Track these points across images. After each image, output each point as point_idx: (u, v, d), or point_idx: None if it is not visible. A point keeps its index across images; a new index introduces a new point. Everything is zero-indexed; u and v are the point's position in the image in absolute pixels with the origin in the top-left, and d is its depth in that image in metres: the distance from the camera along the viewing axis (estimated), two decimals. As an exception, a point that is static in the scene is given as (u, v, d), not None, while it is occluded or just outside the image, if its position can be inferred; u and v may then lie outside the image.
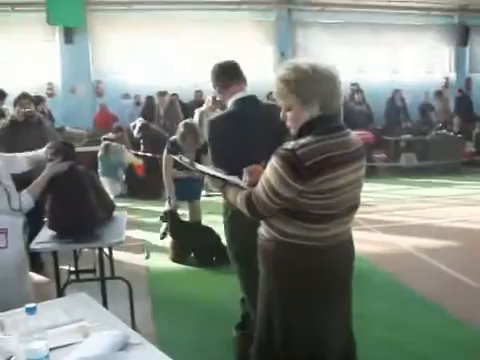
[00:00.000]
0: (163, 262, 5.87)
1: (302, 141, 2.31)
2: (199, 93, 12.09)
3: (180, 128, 5.87)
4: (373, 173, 11.62)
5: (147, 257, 5.74)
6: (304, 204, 2.33)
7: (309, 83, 2.33)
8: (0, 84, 9.37)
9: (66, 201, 3.39)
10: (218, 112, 9.89)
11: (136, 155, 9.97)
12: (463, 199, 9.24)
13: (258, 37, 13.90)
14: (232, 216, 3.36)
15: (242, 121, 3.36)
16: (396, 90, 13.32)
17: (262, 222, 2.53)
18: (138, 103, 12.47)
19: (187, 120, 6.54)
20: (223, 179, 2.64)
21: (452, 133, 12.41)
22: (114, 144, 9.65)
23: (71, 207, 3.37)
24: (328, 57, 13.61)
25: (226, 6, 13.37)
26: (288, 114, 2.42)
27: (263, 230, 2.53)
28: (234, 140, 3.30)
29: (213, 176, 2.72)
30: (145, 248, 5.96)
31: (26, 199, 3.18)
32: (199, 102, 10.39)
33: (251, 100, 3.50)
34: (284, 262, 2.44)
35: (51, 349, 1.87)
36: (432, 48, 14.85)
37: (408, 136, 12.60)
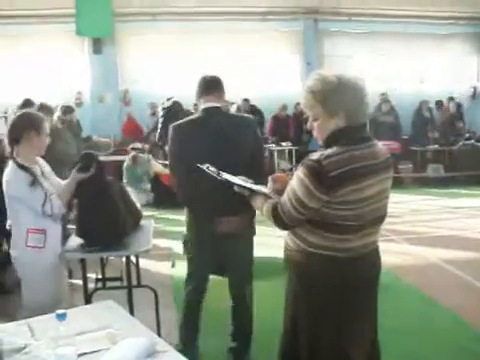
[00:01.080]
0: (188, 271, 5.88)
1: (328, 152, 2.32)
2: (225, 103, 12.15)
3: None
4: (399, 184, 11.56)
5: (173, 266, 5.77)
6: (329, 215, 2.33)
7: (335, 95, 2.35)
8: (29, 94, 9.56)
9: (94, 210, 3.44)
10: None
11: (163, 165, 10.04)
12: (491, 210, 9.09)
13: (285, 47, 13.93)
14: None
15: (207, 129, 3.47)
16: (423, 101, 13.18)
17: (288, 232, 2.53)
18: (154, 113, 12.50)
19: None
20: (250, 189, 2.67)
21: (480, 144, 12.30)
22: (141, 155, 9.74)
23: (99, 216, 3.41)
24: (354, 67, 13.58)
25: (252, 16, 13.45)
26: (315, 124, 2.45)
27: (289, 240, 2.53)
28: (196, 146, 3.43)
29: (240, 186, 2.75)
30: (171, 257, 5.99)
31: (57, 204, 3.27)
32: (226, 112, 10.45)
33: (218, 110, 3.56)
34: (309, 272, 2.44)
35: (79, 355, 1.91)
36: (459, 57, 14.67)
37: (435, 146, 12.49)
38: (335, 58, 13.87)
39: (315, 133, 2.48)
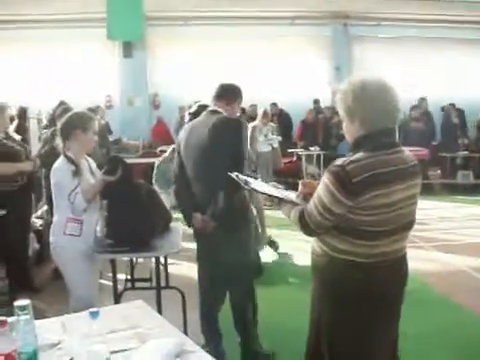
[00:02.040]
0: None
1: (353, 157, 2.34)
2: (254, 107, 12.18)
3: None
4: (428, 190, 11.43)
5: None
6: (354, 220, 2.34)
7: (352, 102, 2.39)
8: (62, 97, 9.72)
9: (122, 211, 3.54)
10: (270, 126, 9.96)
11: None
12: (520, 218, 8.96)
13: (314, 52, 13.95)
14: None
15: (197, 130, 3.64)
16: (452, 106, 13.02)
17: (315, 238, 2.55)
18: (182, 117, 12.60)
19: None
20: (277, 197, 2.69)
21: (511, 150, 12.12)
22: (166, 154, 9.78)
23: (127, 217, 3.51)
24: (384, 71, 13.48)
25: (282, 21, 13.50)
26: (343, 126, 2.52)
27: (316, 245, 2.55)
28: (188, 147, 3.65)
29: (266, 194, 2.78)
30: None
31: (79, 199, 3.48)
32: (253, 116, 10.48)
33: (211, 113, 3.68)
34: (335, 278, 2.45)
35: (110, 353, 1.95)
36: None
37: (465, 153, 12.35)
38: (365, 63, 13.83)
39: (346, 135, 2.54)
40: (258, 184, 2.89)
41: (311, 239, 2.61)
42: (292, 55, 13.53)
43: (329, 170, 2.36)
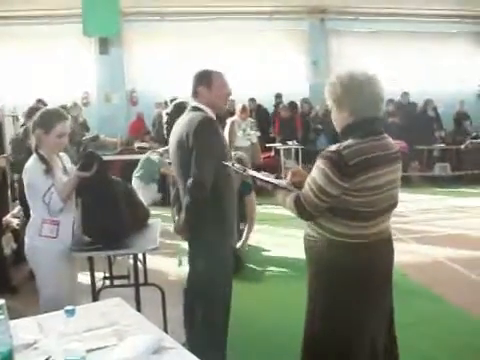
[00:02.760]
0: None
1: (345, 143, 2.51)
2: (231, 102, 12.14)
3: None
4: (406, 183, 11.52)
5: (180, 264, 5.79)
6: (348, 202, 2.50)
7: (343, 93, 2.56)
8: (38, 94, 9.64)
9: (98, 209, 3.49)
10: (248, 121, 9.96)
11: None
12: (498, 209, 9.06)
13: (291, 46, 13.94)
14: None
15: (174, 130, 3.56)
16: (427, 100, 13.10)
17: (309, 224, 2.67)
18: (160, 114, 12.55)
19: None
20: (273, 183, 2.80)
21: (487, 142, 12.27)
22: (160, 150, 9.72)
23: (103, 216, 3.47)
24: (361, 66, 13.52)
25: (258, 16, 13.48)
26: (332, 116, 2.68)
27: (311, 231, 2.67)
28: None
29: (262, 180, 2.86)
30: (178, 255, 6.01)
31: (55, 199, 3.37)
32: (231, 111, 10.46)
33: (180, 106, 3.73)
34: (333, 260, 2.57)
35: (87, 351, 1.93)
36: (466, 56, 14.63)
37: (442, 145, 12.47)
38: (342, 58, 13.89)
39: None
40: (253, 172, 2.99)
41: (299, 229, 2.74)
42: (270, 50, 13.53)
43: (323, 156, 2.51)
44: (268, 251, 6.80)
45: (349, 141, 2.51)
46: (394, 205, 2.66)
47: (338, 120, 2.64)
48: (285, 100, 12.95)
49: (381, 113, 2.68)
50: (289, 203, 2.64)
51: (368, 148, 2.50)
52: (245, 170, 2.94)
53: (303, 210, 2.57)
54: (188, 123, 3.38)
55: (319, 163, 2.51)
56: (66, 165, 3.63)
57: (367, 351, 2.62)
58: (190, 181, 3.25)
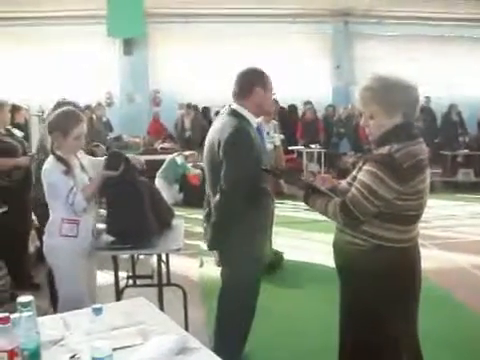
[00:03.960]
0: (217, 270, 5.89)
1: (396, 146, 2.45)
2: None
3: None
4: (429, 188, 11.38)
5: (201, 265, 5.79)
6: (399, 205, 2.47)
7: (393, 92, 2.50)
8: (62, 94, 9.71)
9: (124, 209, 3.50)
10: (272, 124, 9.95)
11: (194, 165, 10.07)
12: (521, 216, 8.94)
13: (314, 50, 13.91)
14: None
15: (210, 134, 3.42)
16: (452, 105, 12.99)
17: (344, 230, 2.63)
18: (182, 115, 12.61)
19: None
20: (316, 187, 2.71)
21: (513, 148, 12.12)
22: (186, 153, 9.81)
23: (129, 215, 3.48)
24: (385, 70, 13.44)
25: (282, 18, 13.47)
26: (371, 122, 2.58)
27: (350, 237, 2.61)
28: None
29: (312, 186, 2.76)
30: (199, 256, 6.02)
31: (78, 199, 3.35)
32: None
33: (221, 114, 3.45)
34: (380, 265, 2.52)
35: (113, 350, 1.94)
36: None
37: (465, 151, 12.33)
38: (365, 61, 13.82)
39: (368, 130, 2.61)
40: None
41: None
42: (293, 53, 13.51)
43: (374, 160, 2.47)
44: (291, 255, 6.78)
45: (398, 145, 2.45)
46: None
47: (379, 124, 2.53)
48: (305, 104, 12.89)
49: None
50: (332, 209, 2.56)
51: (417, 150, 2.47)
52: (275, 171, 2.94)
53: (351, 215, 2.50)
54: (221, 129, 3.22)
55: (370, 167, 2.46)
56: (83, 162, 3.60)
57: (409, 354, 2.65)
58: (218, 198, 3.17)
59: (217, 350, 3.45)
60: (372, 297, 2.57)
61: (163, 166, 9.44)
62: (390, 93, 2.50)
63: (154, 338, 2.15)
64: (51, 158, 3.43)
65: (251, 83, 3.33)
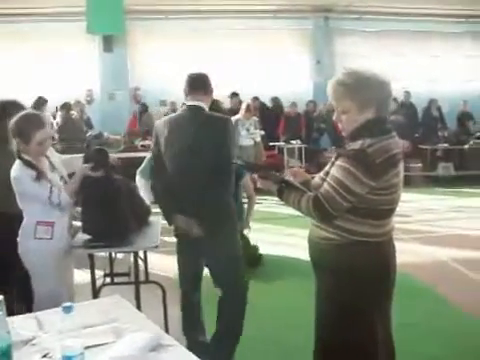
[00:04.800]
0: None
1: (368, 141, 2.46)
2: (236, 101, 12.13)
3: None
4: (409, 183, 11.49)
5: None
6: (372, 200, 2.47)
7: (368, 88, 2.50)
8: (41, 91, 9.67)
9: (101, 207, 3.48)
10: (252, 120, 9.92)
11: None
12: (501, 210, 9.02)
13: (294, 45, 13.92)
14: None
15: (182, 127, 3.49)
16: (432, 100, 13.11)
17: (319, 225, 2.61)
18: (173, 110, 12.57)
19: None
20: (287, 181, 2.72)
21: (491, 142, 12.26)
22: None
23: (105, 213, 3.47)
24: (365, 65, 13.51)
25: (262, 14, 13.46)
26: (343, 117, 2.57)
27: (324, 232, 2.59)
28: (171, 144, 3.48)
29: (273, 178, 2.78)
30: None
31: (64, 196, 3.34)
32: (236, 110, 10.46)
33: (196, 109, 3.55)
34: (353, 260, 2.53)
35: (85, 348, 1.93)
36: (471, 56, 14.60)
37: (445, 145, 12.45)
38: (346, 57, 13.87)
39: (341, 125, 2.61)
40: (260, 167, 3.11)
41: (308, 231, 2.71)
42: (274, 49, 13.51)
43: (347, 155, 2.47)
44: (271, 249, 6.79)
45: (370, 139, 2.46)
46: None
47: (352, 119, 2.53)
48: (288, 100, 12.92)
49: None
50: (305, 204, 2.54)
51: (389, 145, 2.48)
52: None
53: (324, 210, 2.48)
54: (215, 125, 3.52)
55: (343, 162, 2.45)
56: (52, 160, 3.50)
57: (382, 349, 2.64)
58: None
59: (217, 352, 3.57)
60: (346, 292, 2.56)
61: (142, 164, 9.37)
62: (362, 88, 2.49)
63: (127, 336, 2.14)
64: (18, 164, 3.31)
65: (209, 84, 3.68)
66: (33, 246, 3.35)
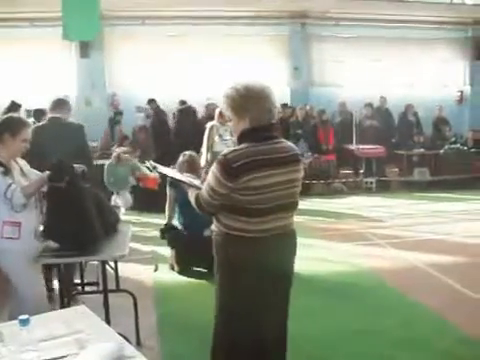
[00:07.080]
0: (171, 275, 5.86)
1: (235, 148, 2.83)
2: (212, 106, 12.08)
3: (180, 156, 6.01)
4: (385, 187, 11.59)
5: (155, 270, 5.75)
6: (237, 199, 2.77)
7: (242, 102, 2.82)
8: (17, 97, 9.55)
9: (66, 216, 3.51)
10: (227, 126, 9.93)
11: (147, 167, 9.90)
12: (475, 214, 9.11)
13: (272, 51, 13.94)
14: None
15: (48, 132, 5.03)
16: (408, 105, 13.21)
17: (214, 221, 2.94)
18: (148, 116, 12.51)
19: (188, 152, 6.44)
20: (181, 181, 3.16)
21: (466, 148, 12.37)
22: (126, 156, 9.59)
23: (67, 221, 3.50)
24: (343, 71, 13.68)
25: (240, 21, 13.44)
26: (230, 125, 2.99)
27: (214, 226, 2.97)
28: (37, 149, 4.12)
29: (174, 179, 3.28)
30: (154, 261, 5.96)
31: (17, 194, 3.44)
32: (212, 116, 10.43)
33: (58, 120, 5.31)
34: (230, 253, 2.85)
35: (45, 361, 1.90)
36: (446, 62, 14.76)
37: (421, 150, 12.55)
38: (324, 62, 13.94)
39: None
40: (166, 170, 3.40)
41: None
42: (251, 55, 13.51)
43: (217, 160, 2.81)
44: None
45: (241, 146, 2.81)
46: (292, 204, 2.92)
47: (237, 128, 2.88)
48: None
49: (275, 119, 2.92)
50: (193, 201, 2.95)
51: (255, 151, 2.77)
52: (155, 167, 3.26)
53: (201, 206, 2.89)
54: (73, 127, 5.58)
55: (213, 167, 2.81)
56: (24, 168, 3.73)
57: (257, 344, 2.86)
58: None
59: None
60: (226, 281, 2.88)
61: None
62: (239, 101, 2.82)
63: (90, 347, 2.10)
64: None
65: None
66: (2, 246, 3.47)
